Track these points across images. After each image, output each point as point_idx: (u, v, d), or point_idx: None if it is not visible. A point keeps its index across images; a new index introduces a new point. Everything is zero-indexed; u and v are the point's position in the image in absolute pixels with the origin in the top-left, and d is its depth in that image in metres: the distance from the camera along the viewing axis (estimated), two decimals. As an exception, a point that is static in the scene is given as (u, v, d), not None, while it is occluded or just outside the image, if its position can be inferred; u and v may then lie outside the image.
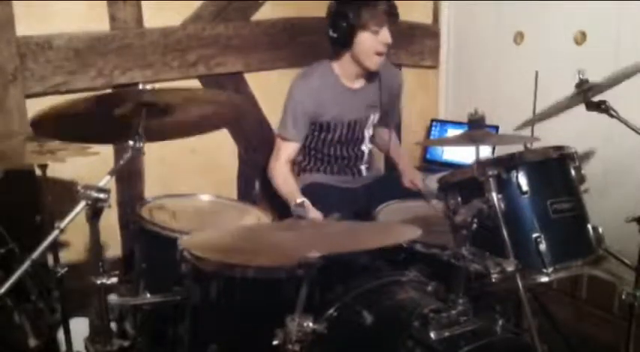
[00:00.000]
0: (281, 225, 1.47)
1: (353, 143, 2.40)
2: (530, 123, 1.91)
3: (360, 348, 1.51)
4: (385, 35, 2.16)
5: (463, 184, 1.53)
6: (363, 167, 2.46)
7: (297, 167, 2.47)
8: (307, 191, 2.25)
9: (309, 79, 2.29)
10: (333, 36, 2.18)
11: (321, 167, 2.43)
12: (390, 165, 3.10)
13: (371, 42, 2.16)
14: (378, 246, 1.37)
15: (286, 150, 2.29)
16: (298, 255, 1.27)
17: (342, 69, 2.29)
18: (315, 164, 2.44)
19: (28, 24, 2.24)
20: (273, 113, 2.66)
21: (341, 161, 2.42)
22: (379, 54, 2.19)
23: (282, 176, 2.27)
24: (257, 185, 2.88)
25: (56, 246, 2.12)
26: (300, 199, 1.83)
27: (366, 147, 2.44)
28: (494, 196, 1.42)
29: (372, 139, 2.47)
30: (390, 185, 2.43)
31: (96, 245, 1.34)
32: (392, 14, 2.17)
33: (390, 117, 2.52)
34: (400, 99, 2.58)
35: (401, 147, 2.65)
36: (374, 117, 2.39)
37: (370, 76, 2.33)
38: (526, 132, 2.01)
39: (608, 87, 1.73)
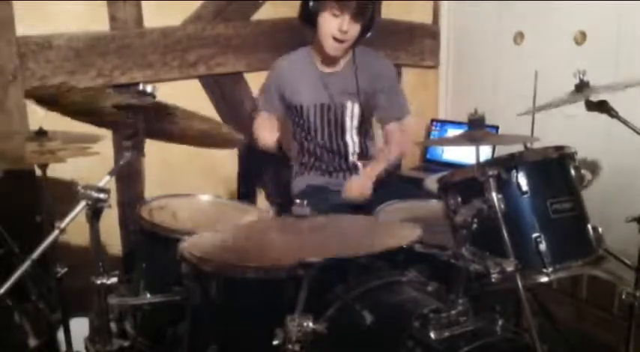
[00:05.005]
0: (280, 224, 1.46)
1: (334, 133, 2.38)
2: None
3: (360, 348, 1.50)
4: (343, 22, 2.17)
5: (463, 184, 1.52)
6: (360, 166, 2.43)
7: (295, 165, 2.48)
8: (303, 194, 2.25)
9: (287, 58, 2.40)
10: (300, 13, 2.25)
11: (315, 163, 2.42)
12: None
13: (329, 24, 2.19)
14: (379, 250, 1.37)
15: (260, 117, 2.39)
16: (297, 258, 1.27)
17: (317, 52, 2.34)
18: (309, 159, 2.43)
19: (28, 24, 2.24)
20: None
21: (327, 154, 2.40)
22: (336, 40, 2.21)
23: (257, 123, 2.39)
24: (257, 185, 2.89)
25: (56, 246, 2.11)
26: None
27: (351, 140, 2.39)
28: (494, 196, 1.42)
29: (362, 133, 2.41)
30: (389, 187, 2.39)
31: (96, 245, 1.34)
32: (357, 8, 2.15)
33: (384, 110, 2.40)
34: (395, 90, 2.44)
35: (385, 151, 2.41)
36: (352, 106, 2.36)
37: (346, 62, 2.34)
38: (526, 132, 2.01)
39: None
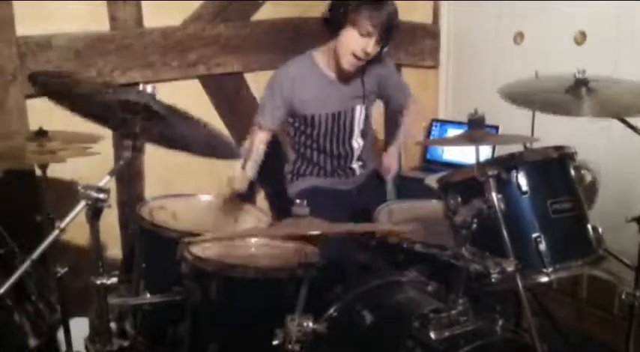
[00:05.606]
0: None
1: (342, 138, 2.36)
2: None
3: (360, 348, 1.51)
4: (369, 44, 2.11)
5: (463, 184, 1.52)
6: (356, 166, 2.43)
7: (292, 171, 2.45)
8: (301, 197, 2.24)
9: (289, 67, 2.30)
10: (326, 15, 2.16)
11: (314, 170, 2.40)
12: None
13: (354, 41, 2.12)
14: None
15: (258, 138, 2.28)
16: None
17: (325, 58, 2.28)
18: (307, 166, 2.41)
19: (28, 24, 2.24)
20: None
21: (330, 160, 2.38)
22: (356, 57, 2.16)
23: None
24: (257, 185, 2.89)
25: (56, 246, 2.11)
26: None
27: (356, 142, 2.39)
28: (494, 196, 1.42)
29: (364, 134, 2.41)
30: (385, 185, 2.40)
31: (96, 245, 1.34)
32: (385, 32, 2.12)
33: (398, 97, 2.42)
34: (398, 76, 2.51)
35: (402, 129, 2.39)
36: (361, 109, 2.35)
37: None
38: (526, 132, 2.00)
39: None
